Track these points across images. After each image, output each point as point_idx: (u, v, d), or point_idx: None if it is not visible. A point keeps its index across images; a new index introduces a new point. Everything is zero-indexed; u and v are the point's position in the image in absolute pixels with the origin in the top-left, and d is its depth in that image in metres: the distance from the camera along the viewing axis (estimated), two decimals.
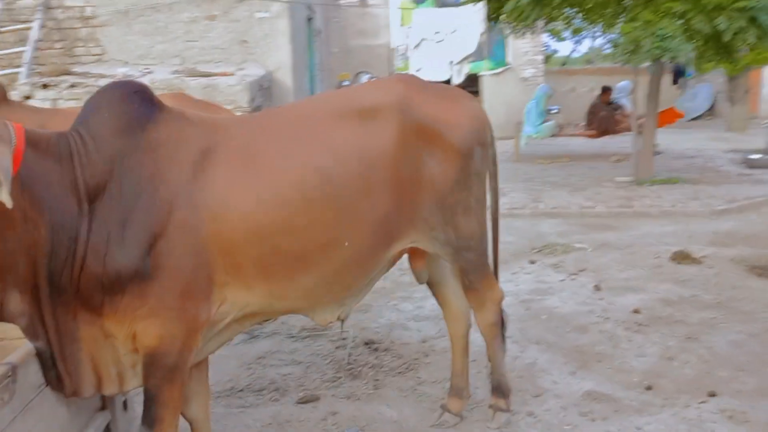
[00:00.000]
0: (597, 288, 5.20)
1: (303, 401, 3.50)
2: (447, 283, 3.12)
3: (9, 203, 1.80)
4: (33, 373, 2.10)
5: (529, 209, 8.19)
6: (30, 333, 2.08)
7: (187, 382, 2.60)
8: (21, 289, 2.02)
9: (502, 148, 13.82)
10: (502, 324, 3.16)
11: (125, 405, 2.78)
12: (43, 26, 8.14)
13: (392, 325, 4.57)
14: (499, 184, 3.13)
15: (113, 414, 2.62)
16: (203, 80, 6.85)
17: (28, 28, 7.97)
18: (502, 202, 8.47)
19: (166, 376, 2.28)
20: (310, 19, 10.95)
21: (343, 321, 2.85)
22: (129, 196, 2.17)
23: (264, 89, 7.61)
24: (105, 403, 2.59)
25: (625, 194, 8.82)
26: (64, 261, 2.09)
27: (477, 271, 2.90)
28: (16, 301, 2.02)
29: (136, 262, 2.14)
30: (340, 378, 3.79)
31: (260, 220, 2.33)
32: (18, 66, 7.61)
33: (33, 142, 2.06)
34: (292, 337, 4.42)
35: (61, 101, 6.62)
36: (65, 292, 2.12)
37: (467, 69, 15.65)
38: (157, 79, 6.92)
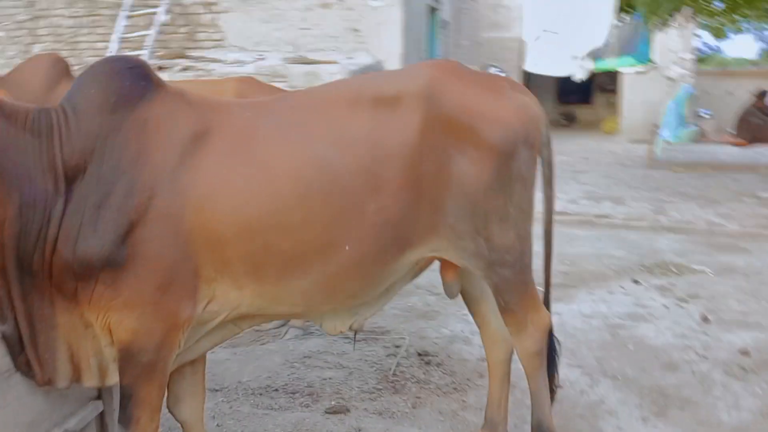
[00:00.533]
0: (704, 319, 4.51)
1: (332, 411, 3.26)
2: (485, 299, 2.73)
3: None
4: None
5: (648, 221, 7.40)
6: None
7: (179, 381, 2.46)
8: None
9: (637, 152, 12.85)
10: (551, 355, 2.74)
11: None
12: (169, 12, 8.50)
13: (454, 337, 4.21)
14: (555, 191, 2.68)
15: (109, 405, 2.51)
16: (306, 67, 6.80)
17: (155, 13, 8.37)
18: (619, 211, 7.79)
19: (142, 374, 2.12)
20: (434, 10, 10.64)
21: (356, 332, 2.57)
22: (108, 178, 2.02)
23: None
24: (100, 393, 2.49)
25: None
26: (34, 243, 1.98)
27: (515, 291, 2.49)
28: None
29: (108, 249, 1.99)
30: (380, 390, 3.51)
31: (250, 213, 2.10)
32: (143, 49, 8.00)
33: (8, 114, 1.96)
34: (347, 338, 4.18)
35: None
36: (37, 276, 2.01)
37: (591, 65, 14.54)
38: (264, 65, 6.97)
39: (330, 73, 6.71)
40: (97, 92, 2.06)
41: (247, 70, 6.86)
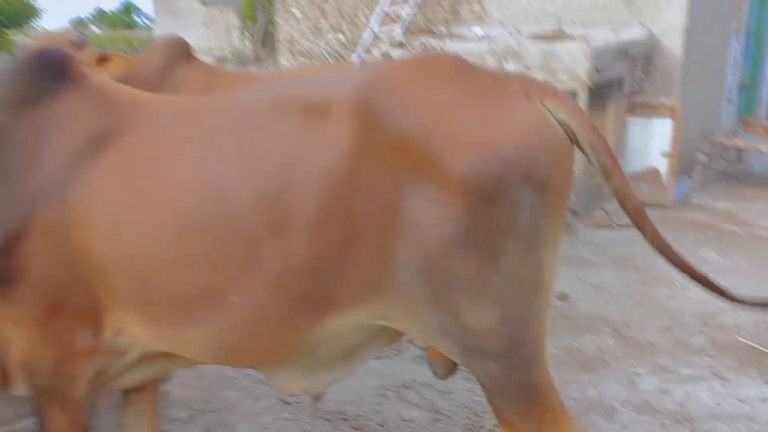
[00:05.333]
0: None
1: None
2: None
3: None
4: None
5: None
6: None
7: (125, 409, 2.25)
8: None
9: None
10: None
11: None
12: None
13: (597, 404, 3.24)
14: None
15: None
16: (544, 46, 5.93)
17: None
18: None
19: (44, 399, 1.95)
20: None
21: (316, 399, 2.04)
22: None
23: (630, 57, 6.16)
24: None
25: None
26: None
27: (509, 396, 1.71)
28: None
29: None
30: None
31: (127, 242, 1.74)
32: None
33: None
34: (467, 379, 3.52)
35: None
36: None
37: None
38: (499, 43, 6.28)
39: (568, 52, 5.75)
40: (1, 86, 1.87)
41: (483, 47, 6.26)
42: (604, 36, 6.39)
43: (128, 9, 77.77)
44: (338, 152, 1.60)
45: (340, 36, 9.66)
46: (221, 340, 1.76)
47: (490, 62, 6.18)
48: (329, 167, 1.61)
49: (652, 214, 6.21)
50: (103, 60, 3.23)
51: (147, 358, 1.99)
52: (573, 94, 6.00)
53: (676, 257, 1.80)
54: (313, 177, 1.61)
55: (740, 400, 3.28)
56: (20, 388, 2.05)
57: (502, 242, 1.56)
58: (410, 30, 7.58)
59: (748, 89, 8.91)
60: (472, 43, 6.50)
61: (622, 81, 6.36)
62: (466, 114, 1.57)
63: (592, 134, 1.65)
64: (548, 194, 1.58)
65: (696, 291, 4.73)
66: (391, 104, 1.59)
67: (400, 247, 1.61)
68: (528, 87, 1.64)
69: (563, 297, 4.60)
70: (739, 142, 7.03)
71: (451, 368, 2.09)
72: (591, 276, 4.97)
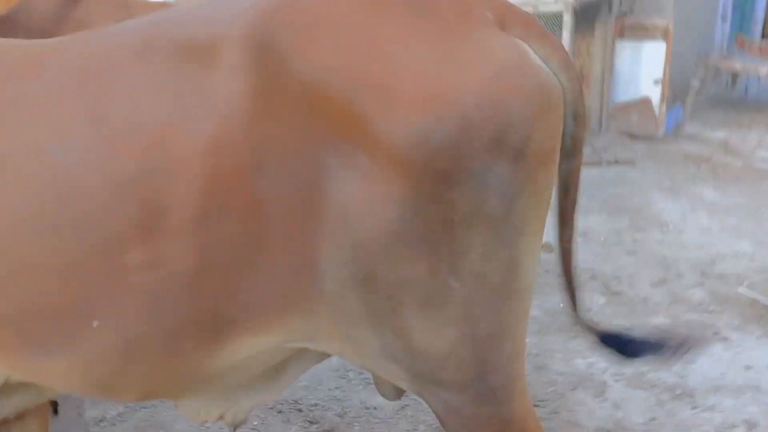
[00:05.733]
0: None
1: None
2: None
3: None
4: None
5: None
6: None
7: None
8: None
9: None
10: None
11: (55, 410, 2.19)
12: None
13: (584, 379, 2.87)
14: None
15: None
16: None
17: None
18: None
19: None
20: None
21: (234, 427, 1.61)
22: None
23: None
24: None
25: None
26: None
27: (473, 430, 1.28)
28: None
29: None
30: None
31: None
32: None
33: None
34: None
35: None
36: None
37: None
38: None
39: None
40: None
41: None
42: None
43: None
44: (230, 114, 1.11)
45: None
46: (87, 372, 1.31)
47: None
48: (217, 137, 1.12)
49: (643, 148, 5.77)
50: None
51: (15, 386, 1.54)
52: (557, 17, 5.43)
53: (569, 270, 1.45)
54: (195, 152, 1.12)
55: (746, 367, 2.91)
56: None
57: (463, 235, 1.10)
58: None
59: (742, 5, 8.33)
60: None
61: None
62: (410, 52, 1.07)
63: (581, 98, 1.18)
64: (527, 165, 1.10)
65: (692, 235, 4.35)
66: (304, 41, 1.09)
67: (323, 245, 1.15)
68: (504, 16, 1.13)
69: (548, 248, 4.19)
70: (737, 65, 6.51)
71: (399, 391, 1.66)
72: (578, 222, 4.53)
